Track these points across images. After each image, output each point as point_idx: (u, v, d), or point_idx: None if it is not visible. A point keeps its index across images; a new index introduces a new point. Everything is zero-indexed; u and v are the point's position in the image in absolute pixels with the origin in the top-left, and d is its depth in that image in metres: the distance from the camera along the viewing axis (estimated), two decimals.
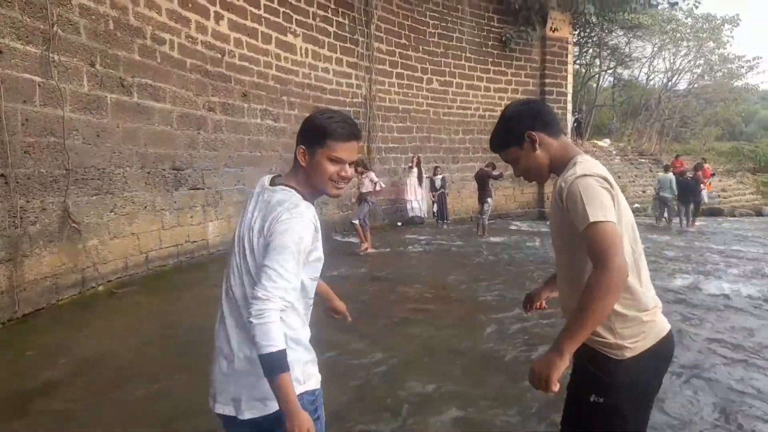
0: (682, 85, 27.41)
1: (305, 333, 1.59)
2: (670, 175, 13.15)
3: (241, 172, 8.83)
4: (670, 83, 27.17)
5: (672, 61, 26.96)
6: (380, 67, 12.56)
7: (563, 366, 1.41)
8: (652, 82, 29.56)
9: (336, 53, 11.43)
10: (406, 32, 13.15)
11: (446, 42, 14.00)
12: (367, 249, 8.64)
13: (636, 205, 17.67)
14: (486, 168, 11.25)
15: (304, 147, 1.57)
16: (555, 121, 1.70)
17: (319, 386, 1.59)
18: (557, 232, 1.66)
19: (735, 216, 17.73)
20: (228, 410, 1.53)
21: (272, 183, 1.62)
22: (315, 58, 10.85)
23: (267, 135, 9.54)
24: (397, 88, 13.04)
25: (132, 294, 5.83)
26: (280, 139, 9.91)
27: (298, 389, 1.46)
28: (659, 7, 15.75)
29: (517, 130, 1.68)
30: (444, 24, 13.90)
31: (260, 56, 9.34)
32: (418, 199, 12.77)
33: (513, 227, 13.06)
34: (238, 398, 1.51)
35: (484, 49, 14.80)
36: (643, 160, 22.32)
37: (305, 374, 1.53)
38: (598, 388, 1.55)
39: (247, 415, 1.50)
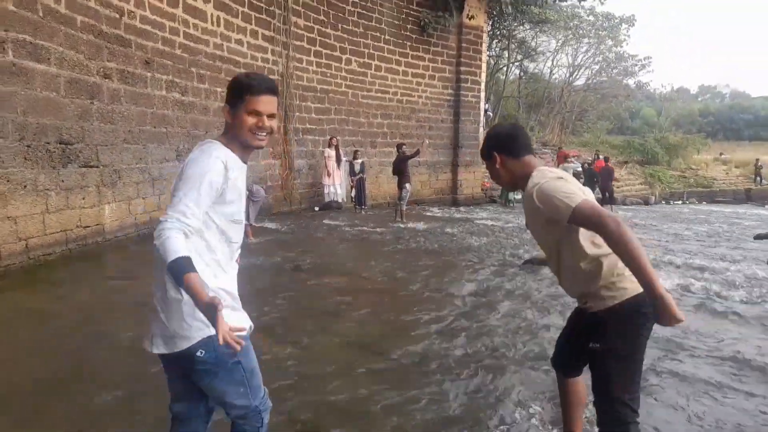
0: (582, 81, 29.12)
1: (228, 280, 1.72)
2: (576, 164, 13.82)
3: (144, 149, 7.91)
4: (571, 78, 28.74)
5: (574, 56, 28.50)
6: (298, 43, 11.90)
7: (670, 296, 1.69)
8: (555, 77, 31.12)
9: (251, 24, 10.63)
10: (325, 8, 12.55)
11: (365, 22, 13.58)
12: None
13: None
14: (400, 152, 10.96)
15: (228, 105, 1.71)
16: (517, 145, 2.07)
17: (244, 332, 1.65)
18: (543, 233, 2.07)
19: (626, 204, 19.15)
20: (147, 344, 1.68)
21: None
22: (228, 27, 10.00)
23: (173, 109, 8.64)
24: (315, 66, 12.45)
25: (6, 290, 4.93)
26: (189, 114, 9.04)
27: (199, 333, 1.60)
28: (567, 2, 16.43)
29: (486, 149, 2.13)
30: (364, 3, 13.45)
31: (166, 21, 8.38)
32: (336, 184, 12.36)
33: (429, 213, 13.07)
34: (155, 334, 1.66)
35: (402, 32, 14.56)
36: (546, 150, 23.46)
37: (203, 320, 1.57)
38: (595, 336, 1.98)
39: (161, 349, 1.65)
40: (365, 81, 13.81)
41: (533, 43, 29.04)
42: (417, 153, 10.68)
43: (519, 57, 29.83)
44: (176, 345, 1.61)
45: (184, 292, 1.48)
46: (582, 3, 17.21)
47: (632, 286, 1.88)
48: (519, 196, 16.64)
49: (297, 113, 11.91)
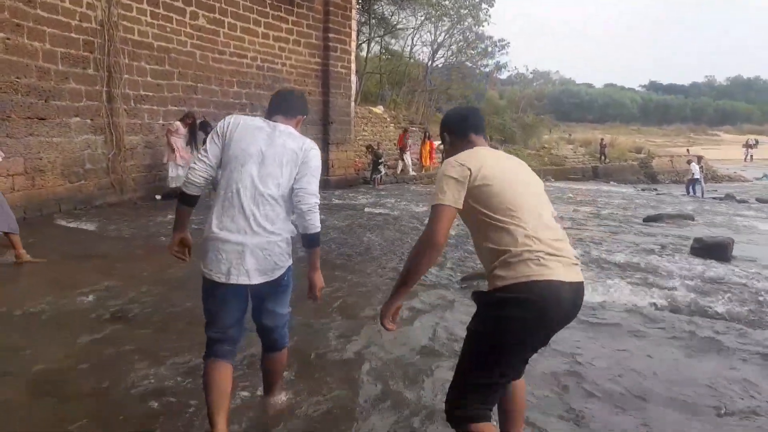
0: (443, 61, 29.02)
1: None
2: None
3: None
4: (435, 56, 28.45)
5: (436, 34, 28.15)
6: None
7: (390, 307, 1.99)
8: (418, 55, 30.61)
9: None
10: None
11: None
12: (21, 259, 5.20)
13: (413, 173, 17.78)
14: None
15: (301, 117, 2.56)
16: (462, 127, 2.16)
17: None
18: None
19: None
20: (242, 279, 2.19)
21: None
22: None
23: None
24: (150, 17, 9.74)
25: None
26: None
27: (288, 262, 2.32)
28: None
29: (440, 131, 2.28)
30: None
31: None
32: (183, 165, 9.82)
33: None
34: (251, 269, 2.20)
35: None
36: (414, 129, 22.75)
37: (289, 254, 2.34)
38: (472, 318, 1.95)
39: (258, 280, 2.22)
40: (217, 41, 11.36)
41: (394, 20, 28.16)
42: None
43: (380, 33, 28.78)
44: (274, 274, 2.25)
45: (283, 234, 2.29)
46: None
47: (507, 275, 1.82)
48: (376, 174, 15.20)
49: (126, 75, 9.18)
